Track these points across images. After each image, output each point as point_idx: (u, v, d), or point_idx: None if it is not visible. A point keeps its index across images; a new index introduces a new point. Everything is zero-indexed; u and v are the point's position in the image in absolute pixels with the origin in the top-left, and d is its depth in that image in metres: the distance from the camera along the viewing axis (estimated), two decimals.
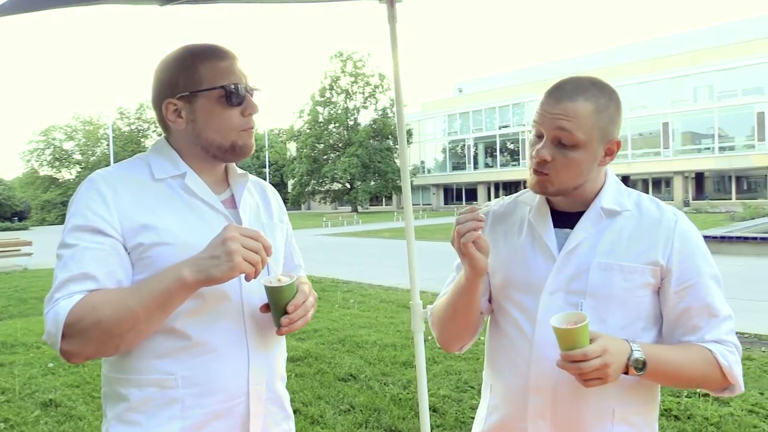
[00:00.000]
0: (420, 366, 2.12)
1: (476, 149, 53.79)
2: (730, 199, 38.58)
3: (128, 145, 54.82)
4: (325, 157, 52.46)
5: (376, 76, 51.44)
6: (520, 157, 50.19)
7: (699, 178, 41.37)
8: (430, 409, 4.10)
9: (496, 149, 52.26)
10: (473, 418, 4.28)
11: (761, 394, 4.04)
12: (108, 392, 1.27)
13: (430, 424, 3.84)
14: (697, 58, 40.19)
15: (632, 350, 1.17)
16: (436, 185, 57.22)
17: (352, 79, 51.45)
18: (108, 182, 1.23)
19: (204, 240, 1.18)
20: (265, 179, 1.21)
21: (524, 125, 50.04)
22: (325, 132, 52.10)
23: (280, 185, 58.07)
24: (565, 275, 1.27)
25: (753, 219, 17.38)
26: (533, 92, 48.64)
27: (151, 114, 58.20)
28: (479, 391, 4.43)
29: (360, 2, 2.14)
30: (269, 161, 58.94)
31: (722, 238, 12.51)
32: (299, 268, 1.52)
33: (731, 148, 39.52)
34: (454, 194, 56.99)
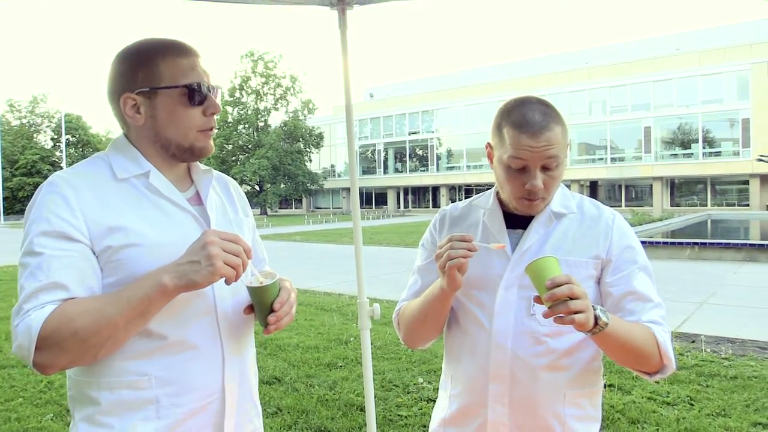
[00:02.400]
0: (366, 362, 2.18)
1: (386, 154, 54.48)
2: (620, 206, 41.54)
3: (18, 141, 50.89)
4: (234, 158, 51.22)
5: (288, 78, 50.88)
6: (429, 162, 51.37)
7: (593, 186, 44.24)
8: (356, 408, 4.17)
9: (405, 155, 53.17)
10: (400, 415, 4.37)
11: (657, 383, 4.44)
12: (76, 396, 1.23)
13: (359, 423, 3.92)
14: (592, 74, 43.01)
15: (593, 304, 1.21)
16: (346, 189, 57.37)
17: (263, 80, 50.59)
18: (70, 184, 1.18)
19: (173, 239, 1.18)
20: None
21: (433, 132, 51.29)
22: (235, 133, 50.88)
23: None
24: (519, 272, 1.38)
25: (641, 225, 18.78)
26: (442, 100, 50.01)
27: (44, 108, 54.23)
28: (404, 389, 4.56)
29: (311, 7, 2.19)
30: None
31: None
32: (264, 262, 1.51)
33: (621, 159, 42.60)
34: (364, 198, 57.39)
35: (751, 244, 12.94)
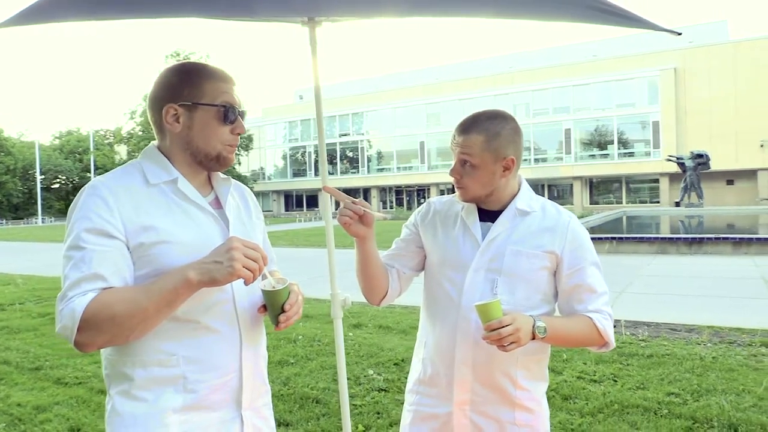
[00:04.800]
0: (339, 350, 2.40)
1: (317, 156, 54.21)
2: None
3: None
4: None
5: None
6: (359, 165, 51.70)
7: None
8: (312, 400, 4.37)
9: (336, 157, 53.24)
10: (354, 405, 4.61)
11: (585, 364, 4.90)
12: (111, 373, 1.40)
13: (315, 414, 4.13)
14: (516, 78, 44.68)
15: (535, 320, 1.55)
16: (277, 192, 56.84)
17: None
18: (109, 188, 1.34)
19: (196, 238, 1.37)
20: None
21: (363, 134, 51.67)
22: None
23: None
24: (486, 257, 1.67)
25: None
26: (371, 102, 50.46)
27: None
28: (355, 381, 4.80)
29: (283, 24, 2.38)
30: (95, 165, 53.96)
31: None
32: (273, 262, 1.70)
33: (544, 160, 44.53)
34: (294, 201, 56.98)
35: (662, 238, 14.05)
